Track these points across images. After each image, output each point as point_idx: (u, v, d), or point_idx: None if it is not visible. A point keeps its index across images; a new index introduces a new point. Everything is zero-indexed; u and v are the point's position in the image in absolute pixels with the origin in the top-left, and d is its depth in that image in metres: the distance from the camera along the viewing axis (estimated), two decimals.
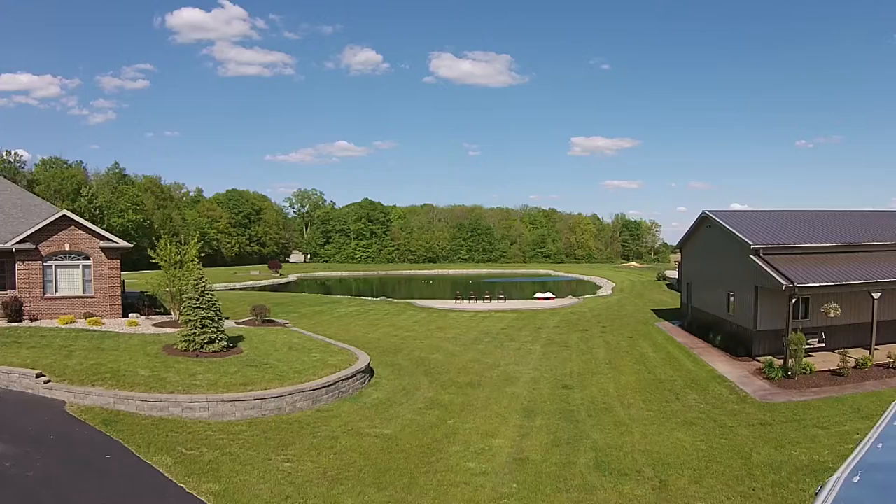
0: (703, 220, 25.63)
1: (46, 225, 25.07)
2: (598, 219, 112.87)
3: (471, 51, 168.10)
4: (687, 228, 28.52)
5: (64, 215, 25.44)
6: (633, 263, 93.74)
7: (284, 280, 67.23)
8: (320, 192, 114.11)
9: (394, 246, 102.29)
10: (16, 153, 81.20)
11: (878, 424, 2.81)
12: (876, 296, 19.93)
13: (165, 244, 23.58)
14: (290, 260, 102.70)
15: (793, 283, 17.96)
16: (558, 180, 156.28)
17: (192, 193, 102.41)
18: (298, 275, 75.42)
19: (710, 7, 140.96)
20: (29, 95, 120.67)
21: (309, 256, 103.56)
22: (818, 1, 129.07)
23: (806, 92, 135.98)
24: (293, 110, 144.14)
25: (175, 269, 23.23)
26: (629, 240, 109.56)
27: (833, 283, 18.65)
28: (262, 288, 56.57)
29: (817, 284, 18.40)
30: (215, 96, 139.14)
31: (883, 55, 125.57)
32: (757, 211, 26.39)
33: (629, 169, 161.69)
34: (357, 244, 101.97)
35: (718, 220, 23.44)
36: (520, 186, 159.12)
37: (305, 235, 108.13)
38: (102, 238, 25.45)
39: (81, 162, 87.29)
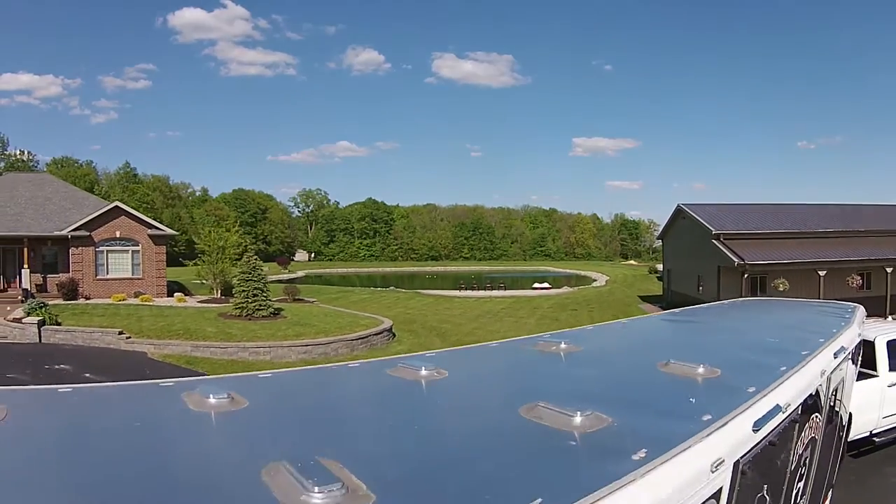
0: (679, 213, 29.74)
1: (100, 214, 29.17)
2: (598, 218, 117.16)
3: (473, 51, 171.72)
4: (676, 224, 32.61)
5: (116, 206, 29.54)
6: (632, 262, 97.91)
7: (293, 275, 71.28)
8: (324, 192, 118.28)
9: (397, 245, 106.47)
10: (29, 152, 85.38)
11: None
12: (821, 273, 24.00)
13: (209, 231, 27.70)
14: (295, 258, 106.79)
15: (744, 261, 22.04)
16: (559, 181, 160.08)
17: (198, 193, 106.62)
18: (305, 271, 79.60)
19: (712, 8, 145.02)
20: (31, 95, 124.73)
21: (313, 255, 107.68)
22: (820, 2, 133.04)
23: (807, 93, 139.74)
24: (295, 110, 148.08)
25: (218, 252, 27.31)
26: (628, 239, 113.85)
27: (778, 262, 22.74)
28: (271, 282, 60.59)
29: (764, 262, 22.47)
30: (217, 96, 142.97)
31: (884, 55, 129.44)
32: (726, 204, 30.45)
33: (631, 169, 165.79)
34: (361, 243, 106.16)
35: (690, 211, 27.57)
36: (521, 187, 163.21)
37: (310, 234, 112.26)
38: (150, 226, 29.52)
39: (92, 161, 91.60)
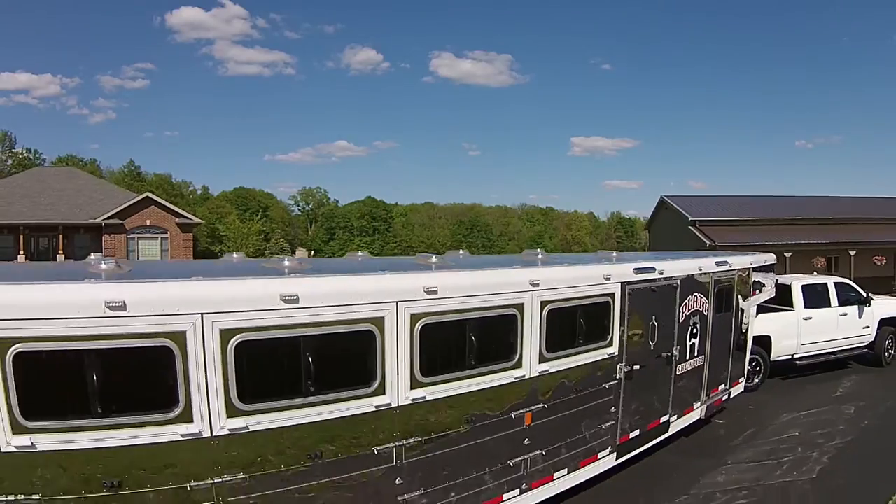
0: (662, 204, 32.94)
1: (131, 204, 32.24)
2: (595, 216, 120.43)
3: (471, 50, 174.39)
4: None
5: (147, 196, 32.61)
6: None
7: None
8: (324, 191, 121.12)
9: (396, 242, 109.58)
10: (35, 150, 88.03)
11: None
12: (787, 255, 27.18)
13: (234, 220, 30.80)
14: (296, 256, 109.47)
15: (714, 243, 25.20)
16: (558, 180, 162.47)
17: (198, 192, 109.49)
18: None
19: (711, 7, 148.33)
20: (29, 95, 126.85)
21: (313, 252, 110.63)
22: (819, 1, 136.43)
23: (805, 92, 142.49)
24: (293, 110, 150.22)
25: (242, 239, 30.42)
26: (624, 236, 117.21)
27: (746, 244, 25.91)
28: None
29: (733, 244, 25.62)
30: (215, 96, 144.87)
31: (884, 54, 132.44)
32: (705, 195, 33.66)
33: (629, 169, 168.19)
34: (360, 241, 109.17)
35: (671, 202, 30.77)
36: (519, 185, 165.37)
37: (310, 232, 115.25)
38: (178, 215, 32.59)
39: (96, 160, 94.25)
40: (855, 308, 14.24)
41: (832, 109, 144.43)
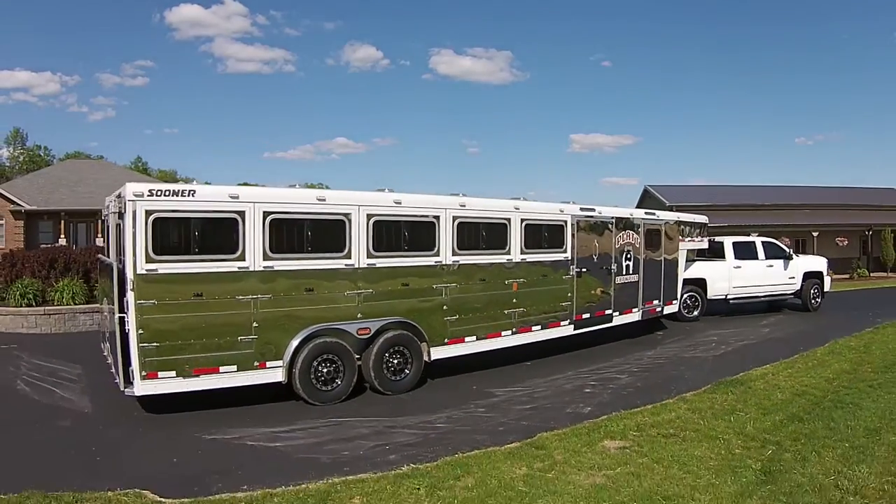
0: (646, 192, 37.33)
1: None
2: None
3: (471, 47, 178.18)
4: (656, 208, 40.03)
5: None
6: None
7: None
8: (326, 187, 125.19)
9: None
10: (45, 147, 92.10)
11: None
12: (754, 234, 31.56)
13: None
14: None
15: None
16: (557, 177, 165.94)
17: None
18: None
19: (710, 5, 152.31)
20: (28, 92, 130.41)
21: None
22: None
23: (806, 89, 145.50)
24: (293, 107, 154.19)
25: None
26: None
27: (717, 225, 30.28)
28: None
29: None
30: (215, 93, 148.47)
31: (884, 53, 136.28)
32: (685, 185, 37.99)
33: (629, 166, 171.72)
34: None
35: (653, 190, 35.16)
36: (518, 183, 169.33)
37: None
38: None
39: (102, 157, 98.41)
40: (781, 262, 18.32)
41: (833, 106, 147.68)
